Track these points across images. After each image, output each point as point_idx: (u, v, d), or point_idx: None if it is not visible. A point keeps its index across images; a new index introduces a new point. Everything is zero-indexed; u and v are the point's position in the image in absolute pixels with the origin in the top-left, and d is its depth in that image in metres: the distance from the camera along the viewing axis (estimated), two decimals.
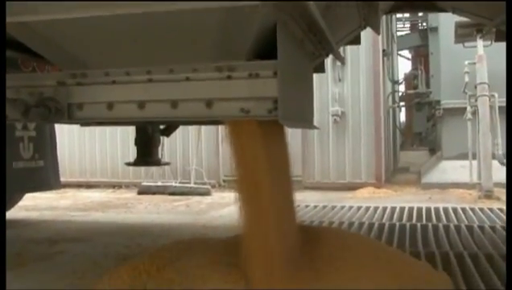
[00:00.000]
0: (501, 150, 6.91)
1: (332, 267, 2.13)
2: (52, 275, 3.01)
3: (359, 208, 5.08)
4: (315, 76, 2.66)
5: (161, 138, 3.88)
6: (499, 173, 6.76)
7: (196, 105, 1.92)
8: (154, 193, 7.71)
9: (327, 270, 2.11)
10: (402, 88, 14.17)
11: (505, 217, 4.53)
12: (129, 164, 4.02)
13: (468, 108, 7.14)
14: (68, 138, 9.08)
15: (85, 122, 3.00)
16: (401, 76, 13.79)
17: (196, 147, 8.39)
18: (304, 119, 2.46)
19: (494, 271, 2.66)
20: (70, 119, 2.11)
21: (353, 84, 8.06)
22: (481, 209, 4.97)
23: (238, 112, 1.86)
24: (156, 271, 2.41)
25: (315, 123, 8.21)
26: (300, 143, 8.11)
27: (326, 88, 8.05)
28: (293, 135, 7.64)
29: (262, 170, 2.04)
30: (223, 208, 6.08)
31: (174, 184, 8.03)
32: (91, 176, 9.25)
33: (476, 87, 6.96)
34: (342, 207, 5.19)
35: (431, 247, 3.30)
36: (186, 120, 2.08)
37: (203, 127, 8.37)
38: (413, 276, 2.21)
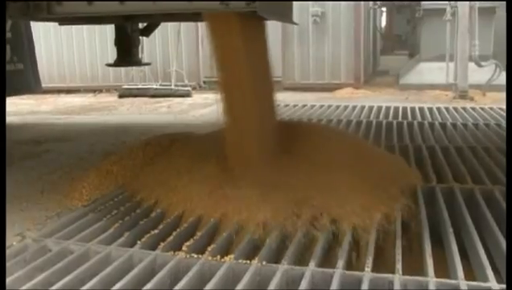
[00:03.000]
0: (478, 51, 6.98)
1: (308, 164, 2.22)
2: (40, 171, 3.12)
3: (338, 107, 5.20)
4: None
5: (141, 38, 3.87)
6: (475, 74, 6.89)
7: None
8: (135, 96, 7.74)
9: (302, 166, 2.21)
10: None
11: (476, 115, 4.69)
12: (109, 65, 4.03)
13: (448, 8, 7.12)
14: (45, 43, 8.86)
15: (65, 19, 2.98)
16: None
17: (175, 48, 8.31)
18: (283, 13, 2.49)
19: (462, 161, 2.81)
20: (50, 14, 2.12)
21: None
22: (455, 109, 5.11)
23: (218, 4, 1.89)
24: (146, 160, 2.52)
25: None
26: (280, 44, 8.08)
27: None
28: (273, 36, 7.57)
29: (242, 63, 2.10)
30: (204, 108, 6.17)
31: (155, 86, 8.03)
32: (70, 81, 9.15)
33: None
34: (321, 106, 5.30)
35: (404, 141, 3.45)
36: (166, 12, 2.10)
37: (182, 28, 8.25)
38: (387, 173, 2.33)
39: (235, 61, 2.09)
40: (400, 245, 1.68)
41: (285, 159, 2.24)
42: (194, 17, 2.83)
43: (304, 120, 4.31)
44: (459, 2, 6.89)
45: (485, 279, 1.46)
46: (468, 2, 6.85)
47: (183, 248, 1.64)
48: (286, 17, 2.54)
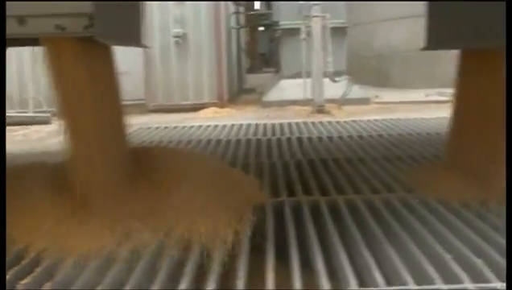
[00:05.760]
0: (332, 68, 7.45)
1: (159, 189, 2.20)
2: None
3: (200, 126, 5.24)
4: None
5: None
6: (330, 90, 7.34)
7: (7, 22, 1.86)
8: None
9: (153, 191, 2.18)
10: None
11: (331, 129, 4.97)
12: None
13: (303, 28, 7.52)
14: None
15: None
16: None
17: (32, 73, 7.89)
18: (129, 38, 2.47)
19: (313, 174, 2.95)
20: None
21: (194, 5, 8.02)
22: (313, 123, 5.38)
23: (53, 29, 1.84)
24: None
25: (157, 45, 8.07)
26: (142, 66, 7.99)
27: (166, 9, 7.93)
28: (134, 58, 7.49)
29: (83, 90, 2.04)
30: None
31: (10, 114, 7.54)
32: None
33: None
34: (183, 127, 5.31)
35: (261, 158, 3.54)
36: None
37: (39, 53, 7.87)
38: (237, 192, 2.37)
39: (75, 89, 2.02)
40: (246, 261, 1.72)
41: (135, 185, 2.21)
42: (32, 42, 2.71)
43: (163, 143, 4.29)
44: (312, 22, 7.33)
45: (321, 286, 1.55)
46: (320, 22, 7.30)
47: (18, 287, 1.56)
48: (132, 41, 2.51)
